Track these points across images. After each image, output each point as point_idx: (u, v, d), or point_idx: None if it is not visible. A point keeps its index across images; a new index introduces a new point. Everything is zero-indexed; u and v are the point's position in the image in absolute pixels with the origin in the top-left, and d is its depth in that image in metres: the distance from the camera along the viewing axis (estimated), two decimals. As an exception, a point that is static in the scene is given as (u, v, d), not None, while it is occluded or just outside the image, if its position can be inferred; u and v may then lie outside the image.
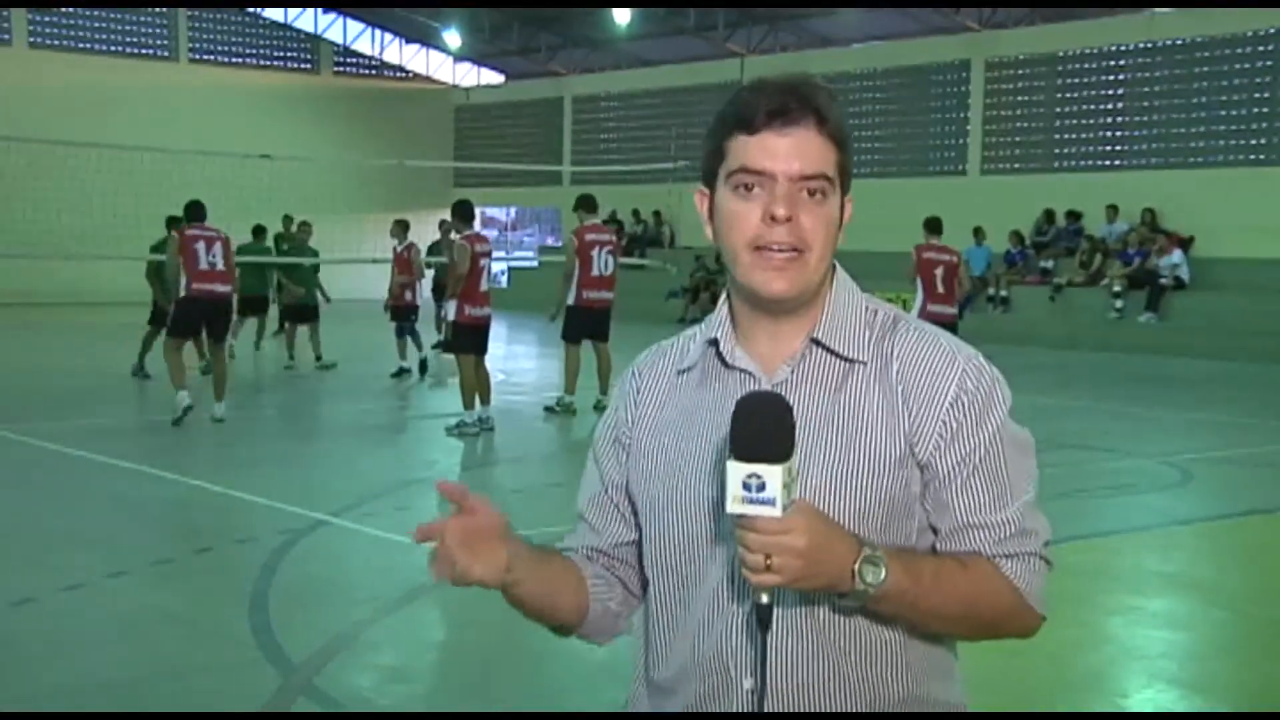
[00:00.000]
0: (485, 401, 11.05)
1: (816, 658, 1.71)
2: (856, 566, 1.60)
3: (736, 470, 1.53)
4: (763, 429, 1.54)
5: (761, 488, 1.52)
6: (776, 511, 1.52)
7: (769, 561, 1.54)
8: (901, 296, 14.33)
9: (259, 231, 17.36)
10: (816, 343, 1.76)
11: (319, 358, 15.96)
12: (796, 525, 1.54)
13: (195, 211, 11.54)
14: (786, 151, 1.68)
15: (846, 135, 1.75)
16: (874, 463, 1.71)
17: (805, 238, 1.69)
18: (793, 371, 1.76)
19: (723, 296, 1.85)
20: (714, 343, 1.82)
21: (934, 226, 13.39)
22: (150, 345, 14.52)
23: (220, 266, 11.32)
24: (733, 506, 1.54)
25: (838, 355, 1.76)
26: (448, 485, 1.68)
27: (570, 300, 12.18)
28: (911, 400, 1.72)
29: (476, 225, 12.42)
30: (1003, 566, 1.73)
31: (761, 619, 1.61)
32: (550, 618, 1.86)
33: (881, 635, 1.73)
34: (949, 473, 1.72)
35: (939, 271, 13.03)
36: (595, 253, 12.12)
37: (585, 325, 12.23)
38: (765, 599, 1.60)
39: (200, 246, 11.23)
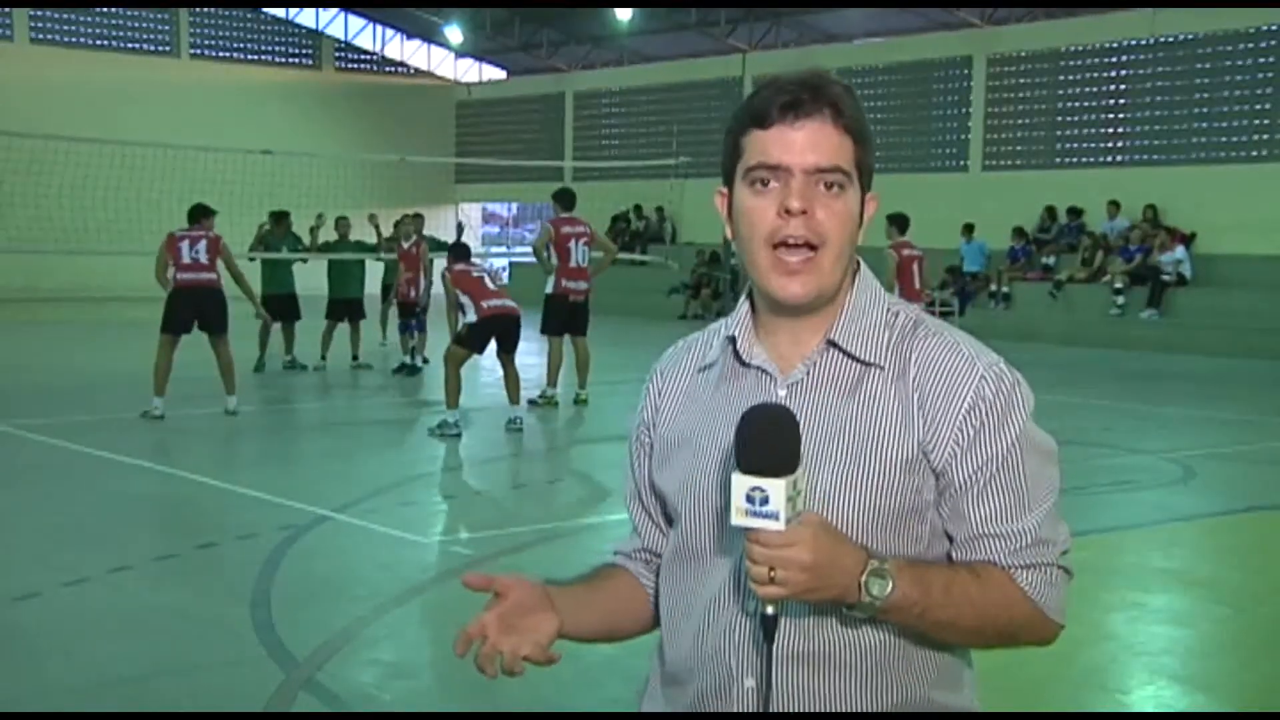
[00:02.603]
0: (514, 401, 11.07)
1: (817, 662, 1.71)
2: (863, 580, 1.59)
3: (740, 483, 1.53)
4: (766, 442, 1.54)
5: (765, 501, 1.52)
6: (779, 525, 1.52)
7: (773, 574, 1.54)
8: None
9: (280, 217, 16.26)
10: (833, 344, 1.74)
11: (355, 357, 15.85)
12: (801, 539, 1.53)
13: (194, 213, 11.89)
14: (801, 144, 1.67)
15: (865, 130, 1.72)
16: (884, 467, 1.69)
17: (821, 231, 1.68)
18: (808, 372, 1.74)
19: (744, 293, 1.85)
20: (733, 340, 1.81)
21: (903, 224, 13.60)
22: (265, 342, 15.19)
23: (203, 260, 11.51)
24: (736, 519, 1.54)
25: (853, 358, 1.74)
26: (472, 579, 1.72)
27: (550, 289, 12.45)
28: (928, 406, 1.69)
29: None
30: (1018, 577, 1.70)
31: (766, 630, 1.60)
32: (615, 640, 1.92)
33: (884, 643, 1.71)
34: (965, 481, 1.69)
35: (915, 268, 13.44)
36: (572, 244, 12.40)
37: (564, 318, 12.45)
38: (771, 610, 1.59)
39: (184, 244, 11.53)
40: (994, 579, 1.69)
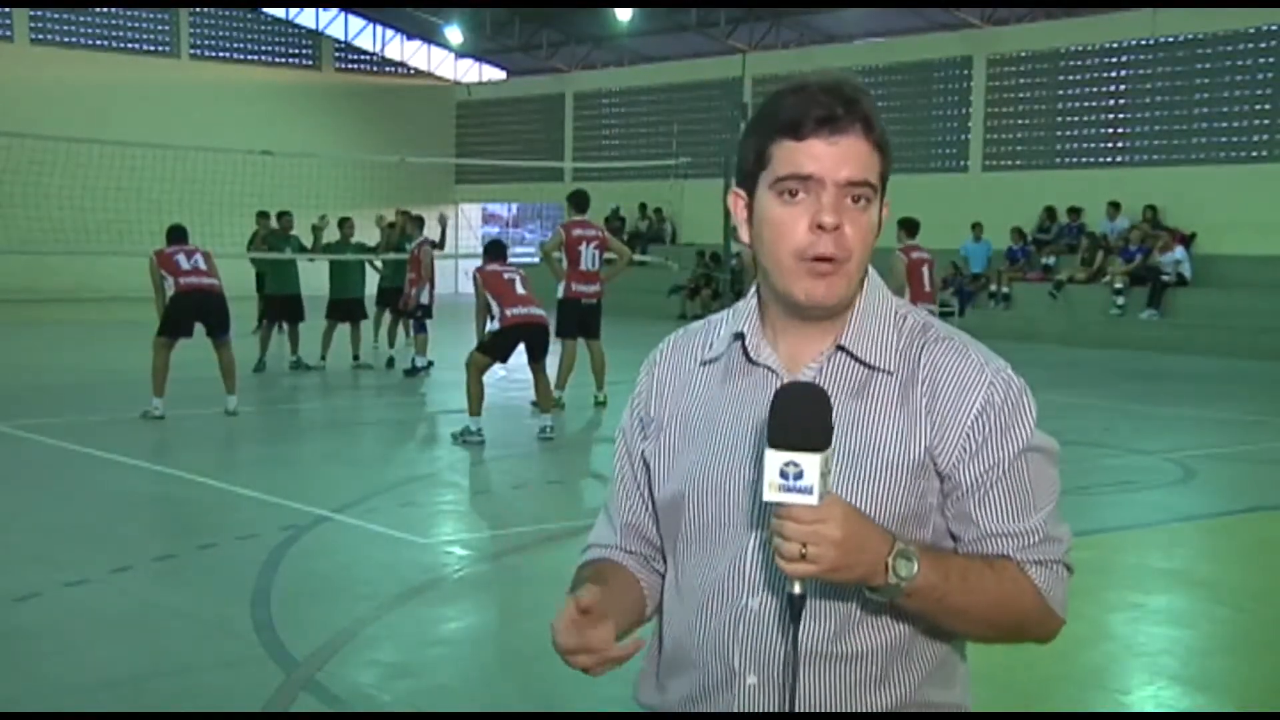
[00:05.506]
0: (545, 410, 10.90)
1: (826, 658, 1.71)
2: (890, 560, 1.61)
3: (774, 459, 1.54)
4: (802, 418, 1.55)
5: (799, 476, 1.53)
6: (813, 500, 1.53)
7: (804, 551, 1.55)
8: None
9: (281, 216, 16.68)
10: (842, 349, 1.76)
11: (356, 356, 15.86)
12: (833, 515, 1.56)
13: (174, 235, 11.90)
14: (836, 159, 1.68)
15: (888, 140, 1.74)
16: (888, 471, 1.70)
17: (848, 246, 1.70)
18: (816, 375, 1.75)
19: (751, 289, 1.85)
20: (740, 336, 1.82)
21: (912, 228, 13.66)
22: (267, 342, 15.47)
23: (203, 267, 11.56)
24: (769, 494, 1.54)
25: (861, 362, 1.75)
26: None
27: (560, 294, 12.46)
28: (936, 411, 1.72)
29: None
30: (1029, 571, 1.73)
31: (794, 610, 1.61)
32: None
33: (893, 638, 1.73)
34: (972, 484, 1.72)
35: (925, 270, 13.47)
36: (583, 248, 12.38)
37: (576, 321, 12.44)
38: (799, 589, 1.60)
39: (180, 257, 11.56)
40: (1008, 571, 1.72)
